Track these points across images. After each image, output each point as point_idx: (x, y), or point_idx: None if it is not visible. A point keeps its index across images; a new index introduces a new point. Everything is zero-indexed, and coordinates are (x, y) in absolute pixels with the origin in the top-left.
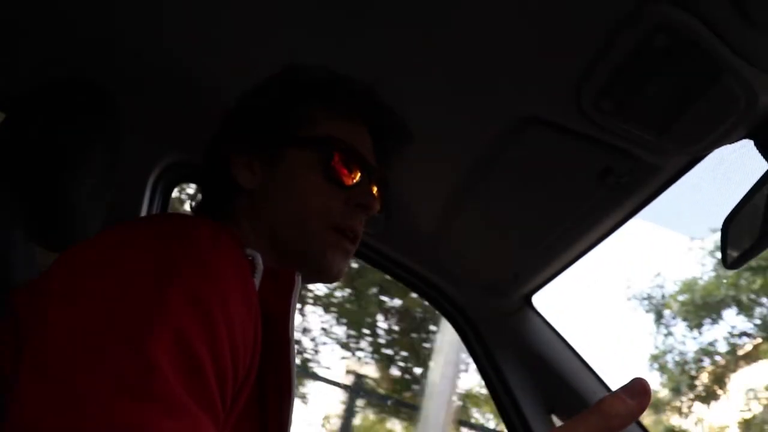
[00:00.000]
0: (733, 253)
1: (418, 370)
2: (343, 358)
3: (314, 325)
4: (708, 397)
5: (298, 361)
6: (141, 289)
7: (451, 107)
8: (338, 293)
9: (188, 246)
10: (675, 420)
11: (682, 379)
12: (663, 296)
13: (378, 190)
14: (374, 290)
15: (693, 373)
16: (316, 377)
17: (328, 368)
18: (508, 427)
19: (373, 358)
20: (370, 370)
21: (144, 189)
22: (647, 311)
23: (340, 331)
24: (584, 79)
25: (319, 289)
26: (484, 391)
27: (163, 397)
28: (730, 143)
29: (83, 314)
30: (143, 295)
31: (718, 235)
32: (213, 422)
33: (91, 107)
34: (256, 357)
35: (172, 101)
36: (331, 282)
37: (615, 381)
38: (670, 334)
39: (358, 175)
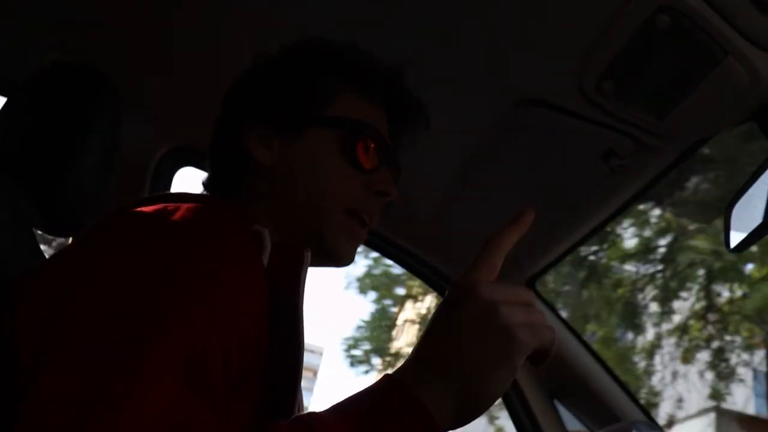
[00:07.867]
0: (737, 237)
1: None
2: None
3: None
4: None
5: None
6: (143, 291)
7: (453, 90)
8: None
9: (189, 239)
10: None
11: None
12: None
13: (393, 176)
14: None
15: None
16: None
17: None
18: (510, 411)
19: None
20: None
21: (147, 173)
22: None
23: None
24: (586, 61)
25: None
26: None
27: (156, 379)
28: (733, 126)
29: (85, 316)
30: (147, 297)
31: None
32: (213, 415)
33: (93, 91)
34: (263, 343)
35: (175, 85)
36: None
37: None
38: None
39: (378, 159)
